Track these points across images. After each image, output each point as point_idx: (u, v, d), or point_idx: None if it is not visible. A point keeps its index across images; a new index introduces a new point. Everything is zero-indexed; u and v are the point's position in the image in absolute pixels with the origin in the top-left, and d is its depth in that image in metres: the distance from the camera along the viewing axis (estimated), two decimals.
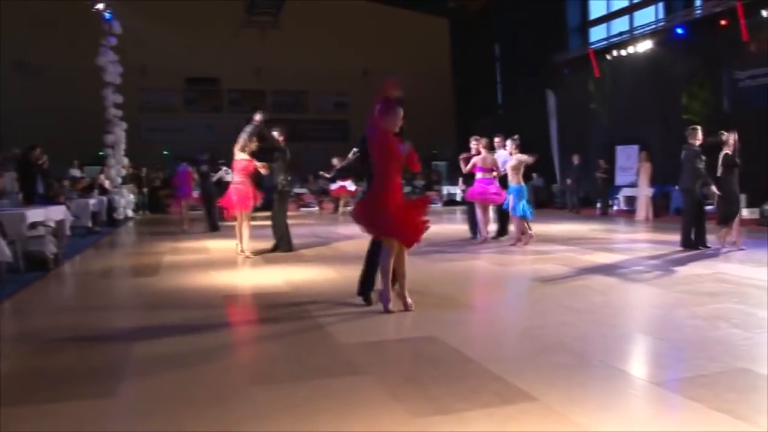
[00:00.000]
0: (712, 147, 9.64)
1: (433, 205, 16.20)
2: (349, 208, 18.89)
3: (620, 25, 20.04)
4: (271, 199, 9.96)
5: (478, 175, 10.46)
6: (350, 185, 18.89)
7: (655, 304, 5.88)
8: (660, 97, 17.15)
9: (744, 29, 14.40)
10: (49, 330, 5.14)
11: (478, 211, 10.73)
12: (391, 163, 5.42)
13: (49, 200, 11.35)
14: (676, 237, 10.24)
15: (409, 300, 5.52)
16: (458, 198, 22.86)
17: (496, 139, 10.92)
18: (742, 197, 13.51)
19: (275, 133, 9.71)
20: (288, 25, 24.84)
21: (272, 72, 26.14)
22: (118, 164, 18.05)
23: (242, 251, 9.50)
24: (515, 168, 9.98)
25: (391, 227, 5.40)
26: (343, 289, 6.54)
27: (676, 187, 14.94)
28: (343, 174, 18.68)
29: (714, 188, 9.44)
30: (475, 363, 3.96)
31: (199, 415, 3.22)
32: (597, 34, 21.20)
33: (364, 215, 5.54)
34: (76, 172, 18.35)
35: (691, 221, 9.52)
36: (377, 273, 5.65)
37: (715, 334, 4.59)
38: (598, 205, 18.35)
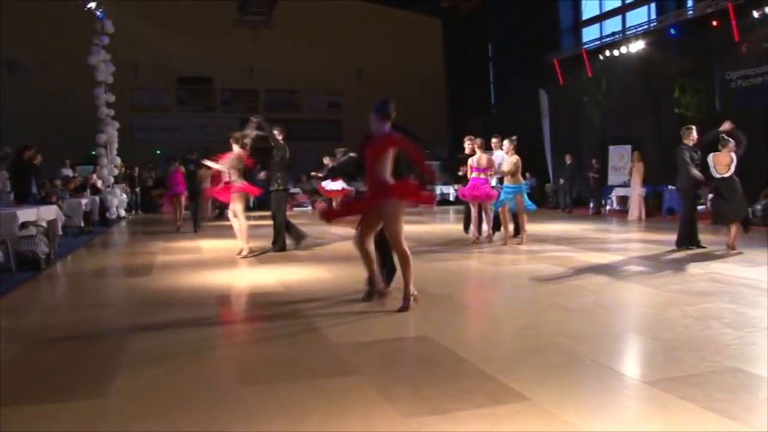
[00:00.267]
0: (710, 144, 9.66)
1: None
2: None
3: (613, 25, 20.11)
4: (269, 198, 9.92)
5: (473, 174, 10.47)
6: (340, 185, 18.87)
7: (647, 303, 5.89)
8: (652, 97, 17.21)
9: (735, 30, 14.46)
10: (40, 330, 5.12)
11: (473, 210, 10.78)
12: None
13: (40, 200, 11.31)
14: (669, 237, 10.30)
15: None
16: (452, 198, 22.95)
17: (493, 140, 10.93)
18: None
19: (275, 132, 9.67)
20: (281, 24, 24.78)
21: (265, 71, 26.11)
22: (111, 164, 17.97)
23: (241, 251, 9.42)
24: (513, 172, 10.03)
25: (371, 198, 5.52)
26: (336, 289, 6.54)
27: (670, 187, 15.05)
28: (334, 174, 18.67)
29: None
30: (469, 363, 3.96)
31: (192, 416, 3.22)
32: (590, 34, 21.25)
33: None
34: (68, 172, 18.25)
35: (689, 221, 9.57)
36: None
37: (707, 333, 4.61)
38: (591, 204, 18.40)
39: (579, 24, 21.71)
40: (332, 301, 5.93)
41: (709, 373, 3.69)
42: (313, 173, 19.51)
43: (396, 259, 5.74)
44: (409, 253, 5.52)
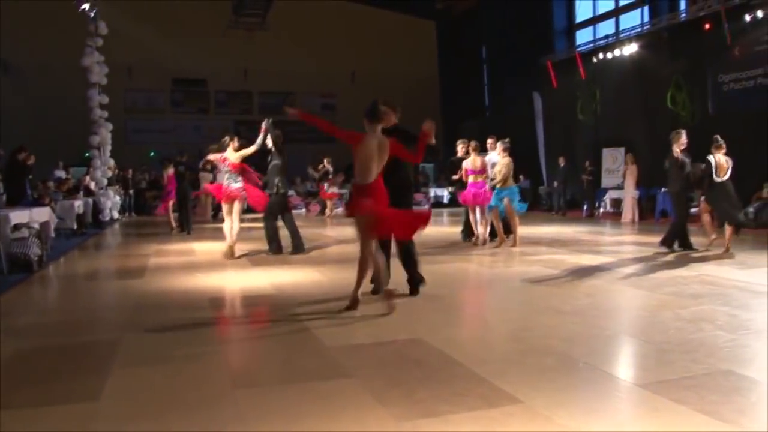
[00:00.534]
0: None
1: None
2: (339, 210, 18.96)
3: (606, 28, 20.16)
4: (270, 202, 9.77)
5: (470, 178, 10.48)
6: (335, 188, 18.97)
7: (640, 306, 5.91)
8: (646, 100, 17.27)
9: (728, 33, 14.53)
10: (33, 332, 5.09)
11: (472, 214, 10.80)
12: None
13: (33, 201, 11.28)
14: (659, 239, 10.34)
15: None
16: (446, 200, 22.98)
17: (489, 141, 10.92)
18: None
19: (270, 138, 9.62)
20: (275, 26, 24.80)
21: (259, 73, 26.09)
22: (104, 165, 17.93)
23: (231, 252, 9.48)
24: (506, 175, 10.04)
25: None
26: (330, 291, 6.53)
27: (663, 190, 15.10)
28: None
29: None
30: (462, 366, 3.96)
31: (185, 418, 3.21)
32: (583, 36, 21.33)
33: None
34: (61, 174, 18.20)
35: (682, 224, 9.60)
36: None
37: (699, 336, 4.62)
38: (585, 207, 18.44)
39: (572, 27, 21.78)
40: (325, 304, 5.92)
41: (702, 376, 3.70)
42: (310, 171, 19.44)
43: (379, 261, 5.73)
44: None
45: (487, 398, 3.38)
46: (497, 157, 10.31)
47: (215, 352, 4.49)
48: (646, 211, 16.30)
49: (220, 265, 8.91)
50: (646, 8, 18.55)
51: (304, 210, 22.54)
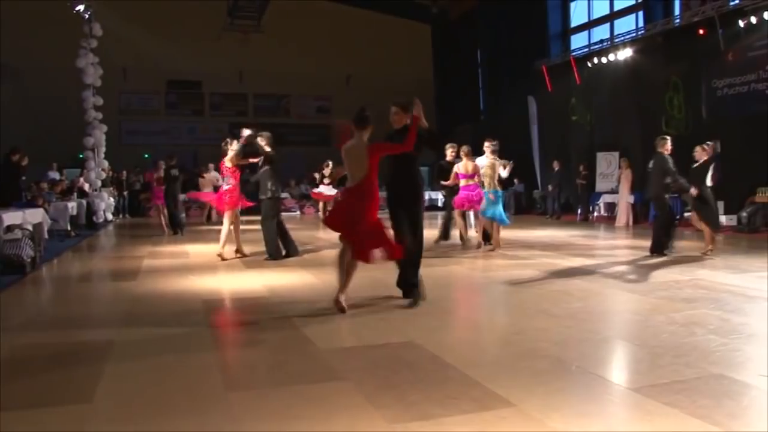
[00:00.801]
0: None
1: None
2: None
3: (601, 32, 20.23)
4: (261, 206, 9.70)
5: (462, 182, 10.49)
6: (329, 189, 18.94)
7: (633, 310, 5.92)
8: (640, 104, 17.33)
9: (722, 39, 14.59)
10: (25, 334, 5.07)
11: (460, 218, 10.81)
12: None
13: (27, 203, 11.26)
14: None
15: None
16: (440, 204, 22.97)
17: (486, 144, 10.87)
18: (720, 204, 13.72)
19: (262, 141, 9.50)
20: (270, 29, 24.77)
21: (254, 76, 26.09)
22: (98, 167, 17.89)
23: (238, 253, 9.62)
24: (488, 173, 10.03)
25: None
26: (324, 294, 6.52)
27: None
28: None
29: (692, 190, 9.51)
30: (454, 369, 3.96)
31: (177, 421, 3.20)
32: (578, 41, 21.38)
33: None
34: (55, 175, 18.16)
35: (664, 228, 9.64)
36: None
37: (691, 339, 4.63)
38: (579, 211, 18.48)
39: (567, 31, 21.83)
40: (319, 307, 5.91)
41: (694, 380, 3.71)
42: (315, 174, 19.42)
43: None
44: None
45: (480, 401, 3.38)
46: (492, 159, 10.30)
47: (208, 355, 4.47)
48: (641, 216, 16.34)
49: (213, 267, 8.90)
50: (640, 13, 18.62)
51: (298, 213, 22.55)
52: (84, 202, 15.57)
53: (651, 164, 9.61)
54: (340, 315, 5.55)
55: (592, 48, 19.50)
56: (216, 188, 16.99)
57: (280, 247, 9.66)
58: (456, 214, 10.96)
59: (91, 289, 7.87)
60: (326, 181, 18.64)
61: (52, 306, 6.88)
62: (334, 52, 25.78)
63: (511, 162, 10.47)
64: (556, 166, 18.95)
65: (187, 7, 23.87)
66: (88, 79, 17.30)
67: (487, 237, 10.61)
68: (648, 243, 10.17)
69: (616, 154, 17.98)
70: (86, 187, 17.09)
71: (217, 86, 26.95)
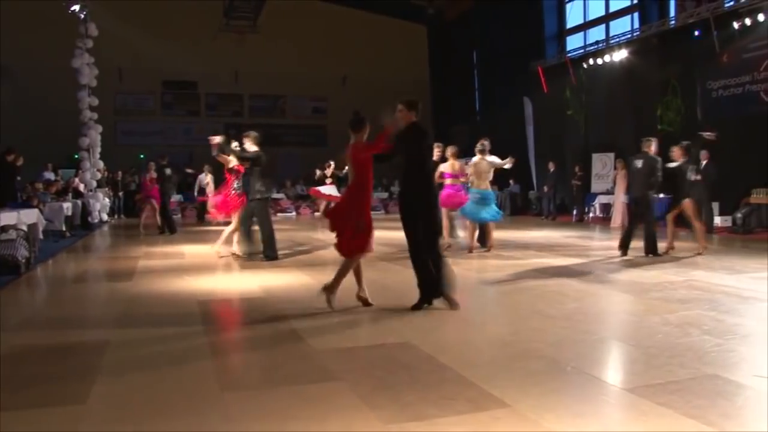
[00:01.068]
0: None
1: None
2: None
3: (596, 34, 20.26)
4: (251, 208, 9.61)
5: (447, 181, 10.48)
6: (330, 189, 18.97)
7: (628, 310, 5.94)
8: (635, 106, 17.36)
9: (716, 40, 14.64)
10: (20, 335, 5.05)
11: (445, 219, 10.76)
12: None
13: (21, 203, 11.23)
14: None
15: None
16: None
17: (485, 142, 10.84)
18: (715, 205, 13.80)
19: (248, 141, 9.33)
20: (266, 29, 24.73)
21: (250, 76, 26.07)
22: (93, 167, 17.86)
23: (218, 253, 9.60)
24: (472, 172, 10.01)
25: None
26: (319, 295, 6.51)
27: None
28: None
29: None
30: (450, 369, 3.97)
31: (172, 421, 3.20)
32: (574, 42, 21.41)
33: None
34: (50, 175, 18.11)
35: (633, 228, 9.72)
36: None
37: (686, 340, 4.64)
38: (574, 212, 18.50)
39: (563, 32, 21.86)
40: (315, 307, 5.91)
41: (688, 380, 3.72)
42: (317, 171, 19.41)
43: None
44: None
45: (475, 402, 3.38)
46: (493, 158, 10.27)
47: (203, 355, 4.47)
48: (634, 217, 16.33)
49: (209, 267, 8.89)
50: (636, 14, 18.66)
51: (294, 213, 22.54)
52: (79, 202, 15.53)
53: (639, 164, 9.63)
54: (335, 316, 5.56)
55: (587, 49, 19.53)
56: (202, 189, 17.12)
57: (276, 248, 9.56)
58: (443, 214, 10.92)
59: (87, 289, 7.85)
60: (328, 181, 18.67)
61: (47, 307, 6.86)
62: (330, 53, 25.77)
63: (509, 158, 10.45)
64: (551, 167, 18.98)
65: (183, 8, 23.85)
66: (83, 79, 17.27)
67: (483, 240, 10.60)
68: (642, 244, 10.22)
69: (611, 155, 18.01)
70: (81, 187, 17.06)
71: (213, 87, 26.93)
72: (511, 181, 20.90)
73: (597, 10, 20.54)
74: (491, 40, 23.25)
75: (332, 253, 10.26)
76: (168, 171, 14.68)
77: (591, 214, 18.40)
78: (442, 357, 4.23)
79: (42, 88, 21.82)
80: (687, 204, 9.89)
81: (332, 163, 18.57)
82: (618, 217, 16.12)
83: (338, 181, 18.72)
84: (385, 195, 23.99)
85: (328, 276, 7.76)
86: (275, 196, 23.36)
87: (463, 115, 25.24)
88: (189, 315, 5.77)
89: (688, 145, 10.13)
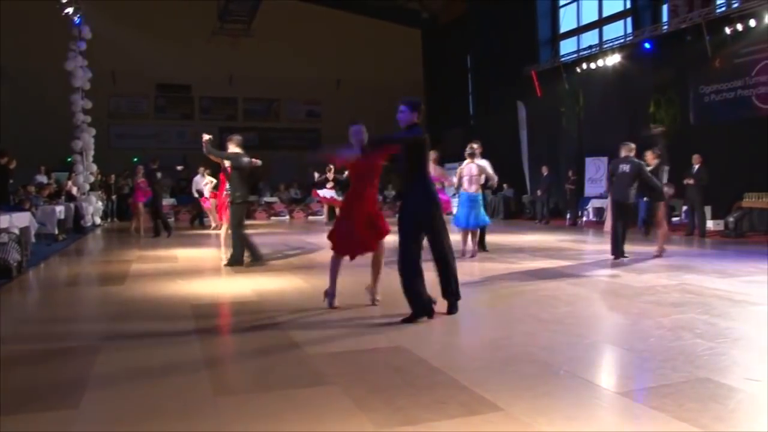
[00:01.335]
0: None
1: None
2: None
3: (590, 38, 20.32)
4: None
5: None
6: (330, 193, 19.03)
7: (620, 314, 5.94)
8: (628, 110, 17.42)
9: (708, 45, 14.71)
10: (11, 340, 5.02)
11: None
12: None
13: (14, 206, 11.18)
14: (643, 248, 10.46)
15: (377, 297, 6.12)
16: None
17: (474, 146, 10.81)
18: (708, 209, 13.86)
19: (231, 144, 9.22)
20: (260, 33, 24.74)
21: (244, 79, 26.05)
22: (87, 171, 17.80)
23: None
24: (468, 177, 9.98)
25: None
26: (312, 298, 6.51)
27: (645, 199, 15.28)
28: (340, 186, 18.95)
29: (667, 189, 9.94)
30: (442, 373, 3.96)
31: (164, 425, 3.18)
32: (567, 47, 21.47)
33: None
34: (42, 178, 18.05)
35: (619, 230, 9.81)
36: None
37: (678, 344, 4.65)
38: (568, 216, 18.54)
39: (557, 37, 21.93)
40: (308, 311, 5.91)
41: (681, 384, 3.72)
42: (316, 174, 19.44)
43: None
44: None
45: (468, 406, 3.38)
46: (483, 162, 10.25)
47: (196, 359, 4.46)
48: (628, 220, 16.38)
49: (202, 271, 8.87)
50: (629, 19, 18.73)
51: (287, 217, 22.52)
52: (72, 205, 15.48)
53: (626, 168, 9.67)
54: (329, 320, 5.55)
55: (581, 54, 19.58)
56: (199, 193, 17.12)
57: (259, 251, 9.40)
58: None
59: (79, 293, 7.82)
60: (329, 185, 18.70)
61: (39, 311, 6.84)
62: (325, 57, 25.78)
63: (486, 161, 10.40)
64: (545, 170, 19.02)
65: (177, 11, 23.82)
66: (76, 82, 17.22)
67: (483, 244, 10.59)
68: (635, 248, 10.29)
69: (605, 159, 18.04)
70: (74, 190, 17.00)
71: (207, 90, 26.89)
72: (504, 185, 20.92)
73: (590, 15, 20.61)
74: (485, 44, 23.30)
75: (325, 257, 10.29)
76: (159, 174, 14.76)
77: (584, 218, 18.44)
78: (435, 361, 4.23)
79: (35, 90, 21.75)
80: (659, 206, 10.07)
81: (332, 166, 18.60)
82: (611, 221, 16.15)
83: (337, 184, 18.77)
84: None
85: (321, 280, 7.79)
86: (269, 199, 23.39)
87: (457, 119, 25.29)
88: (182, 319, 5.76)
89: (661, 149, 10.37)
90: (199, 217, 18.48)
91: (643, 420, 3.23)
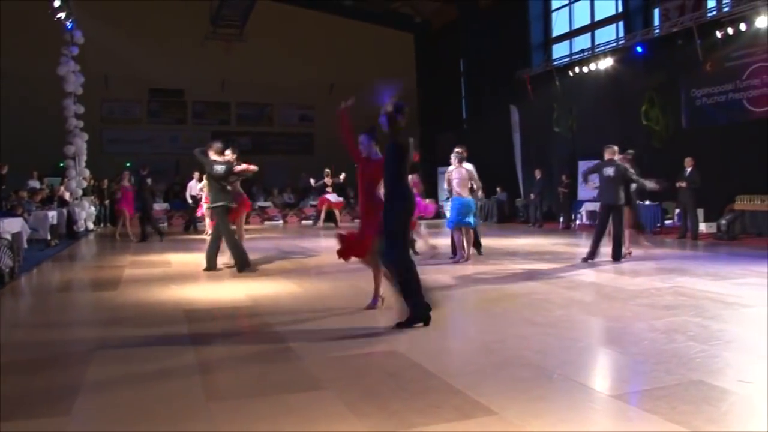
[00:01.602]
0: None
1: None
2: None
3: (582, 42, 20.38)
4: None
5: None
6: (332, 197, 19.06)
7: (614, 317, 5.95)
8: (621, 113, 17.47)
9: (699, 49, 14.79)
10: (3, 346, 5.00)
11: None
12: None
13: (5, 212, 11.14)
14: (636, 251, 10.48)
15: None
16: None
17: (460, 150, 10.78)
18: (700, 212, 13.91)
19: (210, 152, 9.24)
20: (253, 37, 24.73)
21: (237, 84, 25.99)
22: (79, 176, 17.74)
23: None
24: (458, 181, 9.95)
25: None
26: (306, 303, 6.51)
27: (637, 203, 15.33)
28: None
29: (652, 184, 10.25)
30: (436, 377, 3.97)
31: (158, 430, 3.17)
32: (560, 51, 21.53)
33: None
34: (35, 184, 17.96)
35: (601, 234, 9.93)
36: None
37: (672, 346, 4.67)
38: (561, 219, 18.57)
39: (549, 41, 21.98)
40: (301, 316, 5.90)
41: (674, 386, 3.74)
42: (311, 180, 19.46)
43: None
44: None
45: (462, 410, 3.39)
46: (470, 166, 10.23)
47: (189, 365, 4.45)
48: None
49: (195, 276, 8.85)
50: (621, 23, 18.81)
51: (281, 221, 22.49)
52: (64, 211, 15.42)
53: (611, 172, 9.74)
54: (323, 324, 5.55)
55: (573, 57, 19.64)
56: (193, 198, 17.13)
57: (215, 260, 9.34)
58: None
59: (72, 299, 7.80)
60: (328, 189, 18.72)
61: (31, 317, 6.81)
62: (318, 61, 25.75)
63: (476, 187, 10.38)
64: (538, 174, 19.04)
65: (170, 16, 23.77)
66: (69, 86, 17.17)
67: (478, 245, 10.60)
68: (627, 251, 10.32)
69: (598, 162, 18.08)
70: (67, 195, 16.94)
71: (200, 95, 26.81)
72: (498, 189, 20.95)
73: (583, 19, 20.68)
74: (478, 48, 23.35)
75: (318, 262, 10.30)
76: (149, 181, 15.00)
77: (578, 221, 18.46)
78: (429, 365, 4.23)
79: (27, 95, 21.64)
80: (626, 210, 10.14)
81: (328, 170, 18.62)
82: None
83: (335, 188, 18.82)
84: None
85: (315, 285, 7.82)
86: (262, 204, 23.35)
87: (450, 123, 25.31)
88: (175, 324, 5.74)
89: (633, 154, 10.50)
90: (193, 223, 18.42)
91: (637, 422, 3.24)
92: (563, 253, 11.60)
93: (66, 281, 9.16)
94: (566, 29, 21.37)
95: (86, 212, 17.75)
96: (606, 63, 17.75)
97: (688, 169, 13.40)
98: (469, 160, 10.29)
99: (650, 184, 10.22)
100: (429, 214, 11.01)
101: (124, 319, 5.99)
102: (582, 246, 13.23)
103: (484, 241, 11.29)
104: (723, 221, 13.50)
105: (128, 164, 23.47)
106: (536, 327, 5.41)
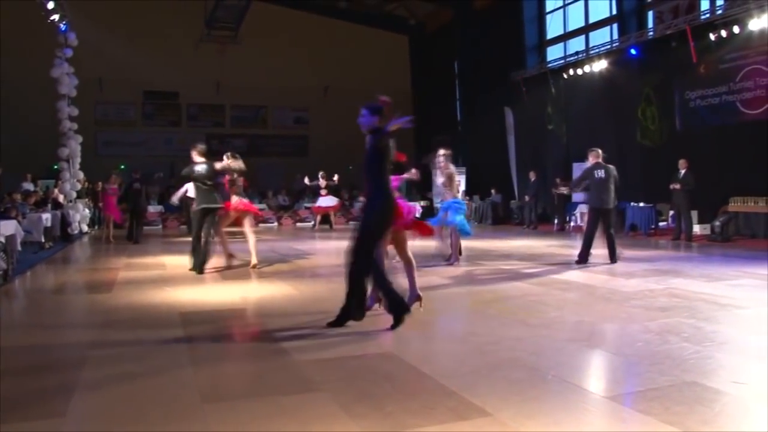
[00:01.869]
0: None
1: None
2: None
3: (576, 44, 20.44)
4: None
5: None
6: (329, 200, 19.07)
7: (609, 319, 5.96)
8: (615, 115, 17.53)
9: (693, 51, 14.85)
10: None
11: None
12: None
13: None
14: (630, 253, 10.52)
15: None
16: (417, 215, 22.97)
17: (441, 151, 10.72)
18: (694, 213, 13.96)
19: (193, 153, 9.37)
20: (248, 40, 24.72)
21: (231, 86, 25.99)
22: (73, 178, 17.69)
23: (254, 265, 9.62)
24: (445, 183, 9.96)
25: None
26: (301, 305, 6.51)
27: (632, 204, 15.37)
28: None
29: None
30: (431, 379, 3.97)
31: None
32: (554, 53, 21.59)
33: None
34: (29, 186, 17.93)
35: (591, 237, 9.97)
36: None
37: (665, 348, 4.68)
38: (556, 221, 18.61)
39: (543, 43, 22.05)
40: (296, 318, 5.90)
41: (668, 387, 3.75)
42: (306, 180, 19.53)
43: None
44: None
45: (456, 411, 3.39)
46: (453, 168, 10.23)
47: (184, 367, 4.44)
48: (616, 225, 16.45)
49: (190, 279, 8.83)
50: (615, 25, 18.88)
51: (276, 223, 22.46)
52: (59, 213, 15.37)
53: (602, 174, 9.78)
54: (317, 326, 5.54)
55: (567, 60, 19.71)
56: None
57: (205, 258, 9.37)
58: None
59: (66, 301, 7.77)
60: (323, 192, 18.73)
61: (25, 319, 6.78)
62: (312, 63, 25.78)
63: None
64: (532, 176, 19.09)
65: (165, 18, 23.77)
66: (63, 89, 17.12)
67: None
68: (624, 253, 10.34)
69: (585, 168, 18.11)
70: (61, 198, 16.88)
71: (194, 97, 26.80)
72: (492, 191, 21.00)
73: (577, 21, 20.75)
74: (472, 50, 23.39)
75: (313, 264, 10.29)
76: (136, 185, 15.14)
77: (572, 223, 18.50)
78: (424, 366, 4.23)
79: (21, 98, 21.60)
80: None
81: (322, 173, 18.64)
82: None
83: (330, 190, 18.84)
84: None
85: (310, 287, 7.82)
86: (257, 206, 23.33)
87: (445, 125, 25.31)
88: (170, 326, 5.73)
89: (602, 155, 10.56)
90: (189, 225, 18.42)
91: (631, 423, 3.25)
92: (557, 254, 11.62)
93: (60, 284, 9.13)
94: (560, 31, 21.44)
95: (80, 215, 17.69)
96: (600, 65, 17.82)
97: (682, 171, 13.46)
98: (463, 162, 10.30)
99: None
100: (412, 216, 10.89)
101: (118, 322, 5.97)
102: (576, 248, 13.22)
103: (479, 243, 11.33)
104: (717, 223, 13.56)
105: (122, 167, 23.43)
106: (531, 328, 5.43)
